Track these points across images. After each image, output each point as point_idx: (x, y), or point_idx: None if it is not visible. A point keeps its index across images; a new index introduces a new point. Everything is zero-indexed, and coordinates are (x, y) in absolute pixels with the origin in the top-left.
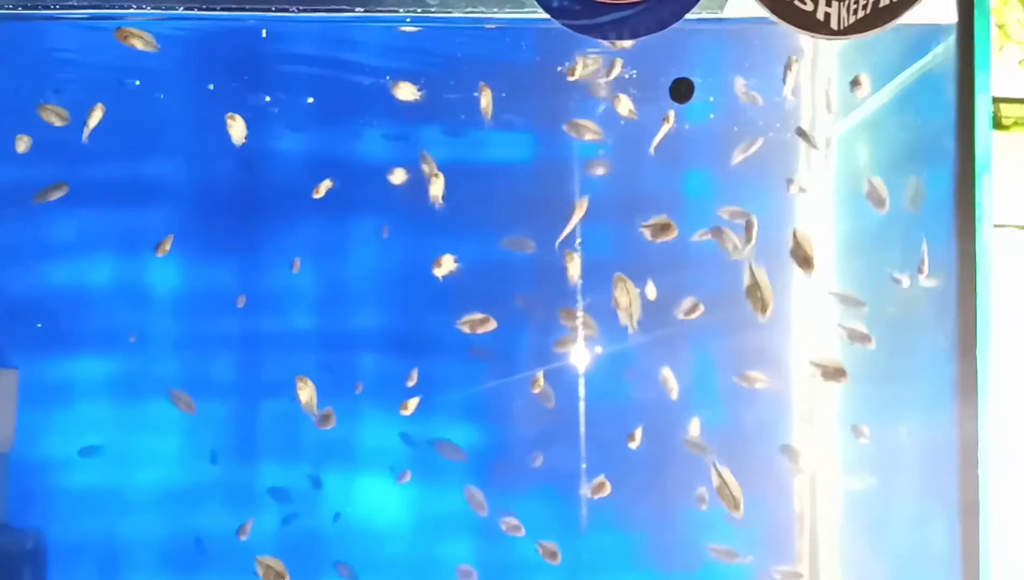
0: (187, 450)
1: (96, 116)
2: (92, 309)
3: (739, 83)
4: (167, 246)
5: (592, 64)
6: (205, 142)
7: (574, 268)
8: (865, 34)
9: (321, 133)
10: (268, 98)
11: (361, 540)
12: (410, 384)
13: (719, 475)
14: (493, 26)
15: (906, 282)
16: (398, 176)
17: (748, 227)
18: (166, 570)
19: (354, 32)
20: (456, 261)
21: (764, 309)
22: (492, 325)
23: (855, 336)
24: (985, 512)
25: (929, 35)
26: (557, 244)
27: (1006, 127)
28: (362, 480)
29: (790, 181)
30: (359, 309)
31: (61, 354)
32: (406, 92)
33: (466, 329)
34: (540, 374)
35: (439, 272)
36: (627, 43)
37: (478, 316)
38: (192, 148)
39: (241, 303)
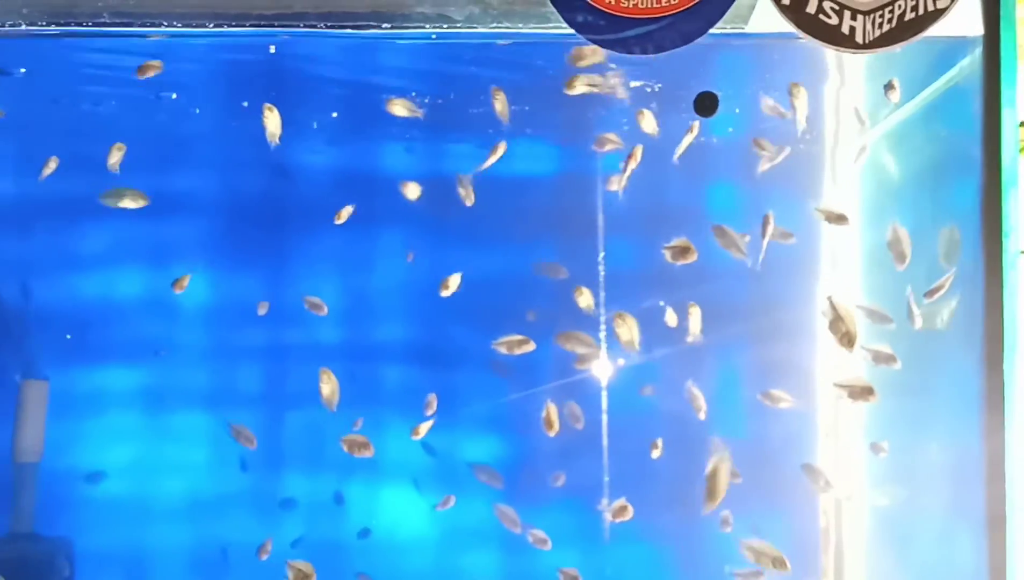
0: (215, 461)
1: (116, 156)
2: (121, 321)
3: (765, 98)
4: (184, 284)
5: (596, 80)
6: (234, 156)
7: (585, 301)
8: (890, 48)
9: (344, 149)
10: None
11: (385, 552)
12: (428, 412)
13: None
14: (507, 41)
15: (918, 316)
16: (413, 191)
17: (764, 223)
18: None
19: (378, 49)
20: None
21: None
22: (530, 346)
23: (880, 358)
24: (1012, 526)
25: (955, 48)
26: None
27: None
28: (385, 493)
29: (818, 210)
30: (383, 322)
31: (90, 365)
32: (401, 108)
33: (503, 350)
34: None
35: (446, 293)
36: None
37: (516, 338)
38: (221, 162)
39: (263, 310)
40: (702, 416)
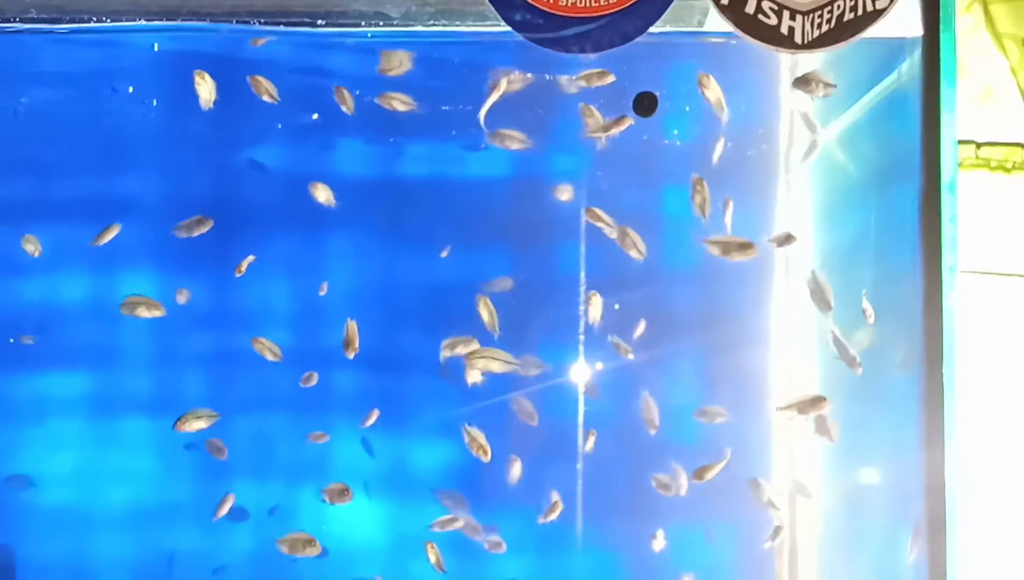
0: (159, 469)
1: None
2: (63, 324)
3: (711, 97)
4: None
5: (517, 80)
6: (181, 156)
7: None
8: (829, 48)
9: (290, 147)
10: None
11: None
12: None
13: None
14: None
15: (870, 313)
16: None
17: (726, 208)
18: None
19: (320, 47)
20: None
21: (828, 308)
22: (475, 345)
23: (846, 357)
24: (952, 532)
25: (897, 50)
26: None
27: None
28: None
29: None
30: (336, 325)
31: (31, 371)
32: (399, 103)
33: (447, 353)
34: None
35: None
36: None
37: (461, 338)
38: (168, 162)
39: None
40: (652, 431)
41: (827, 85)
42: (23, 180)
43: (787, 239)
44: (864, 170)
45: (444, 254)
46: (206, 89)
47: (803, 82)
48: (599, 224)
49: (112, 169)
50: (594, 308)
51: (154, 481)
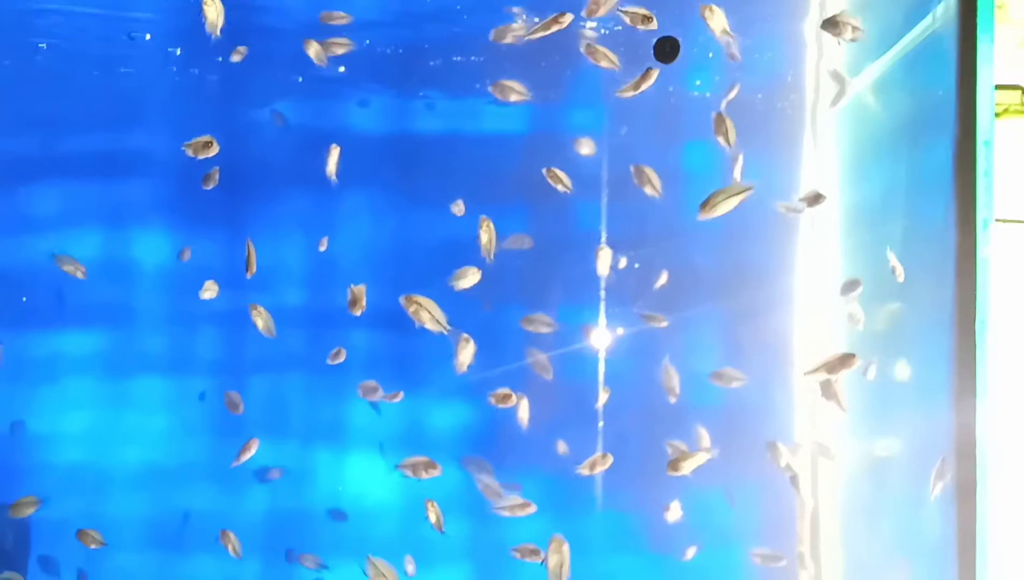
0: (174, 428)
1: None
2: (77, 284)
3: (716, 27)
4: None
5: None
6: (190, 115)
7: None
8: None
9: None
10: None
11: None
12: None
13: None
14: None
15: (900, 272)
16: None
17: (735, 162)
18: (150, 547)
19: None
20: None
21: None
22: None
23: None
24: (984, 496)
25: None
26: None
27: (997, 114)
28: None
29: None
30: (348, 284)
31: (44, 329)
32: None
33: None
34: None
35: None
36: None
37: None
38: (177, 121)
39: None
40: (673, 399)
41: (855, 28)
42: (33, 136)
43: (816, 199)
44: (895, 120)
45: (458, 212)
46: (213, 11)
47: (831, 24)
48: (559, 186)
49: (123, 125)
50: (602, 262)
51: (169, 439)
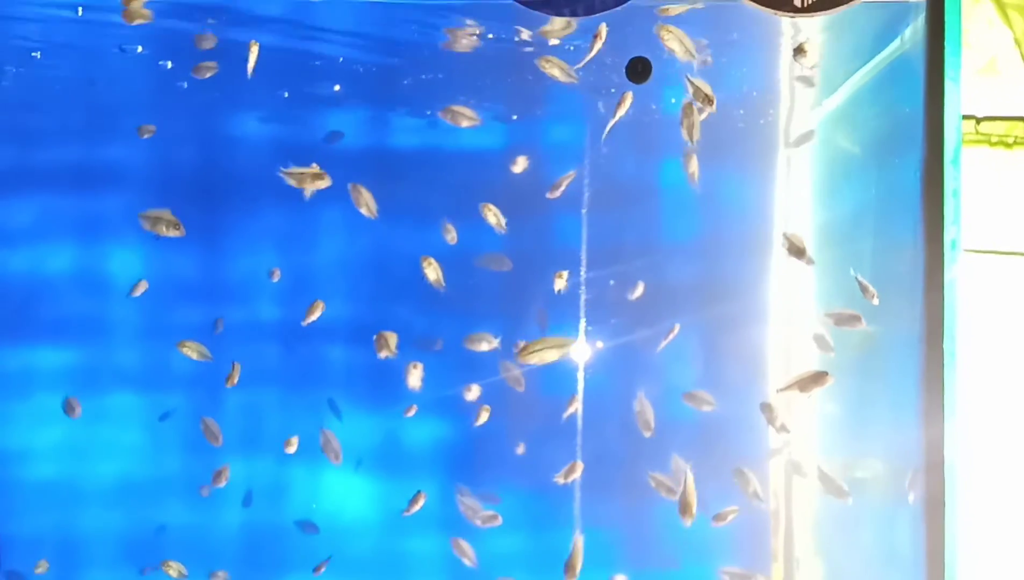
0: (147, 442)
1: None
2: (51, 297)
3: (676, 47)
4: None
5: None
6: (167, 125)
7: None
8: (830, 11)
9: (288, 118)
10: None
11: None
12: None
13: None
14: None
15: (872, 293)
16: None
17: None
18: (125, 562)
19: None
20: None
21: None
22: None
23: (842, 320)
24: (952, 511)
25: (900, 15)
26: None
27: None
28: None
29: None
30: (327, 299)
31: (18, 345)
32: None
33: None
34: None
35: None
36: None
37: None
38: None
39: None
40: (647, 434)
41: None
42: (6, 147)
43: (800, 253)
44: (865, 140)
45: (449, 236)
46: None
47: (800, 52)
48: (492, 221)
49: (98, 136)
50: (560, 282)
51: (142, 454)
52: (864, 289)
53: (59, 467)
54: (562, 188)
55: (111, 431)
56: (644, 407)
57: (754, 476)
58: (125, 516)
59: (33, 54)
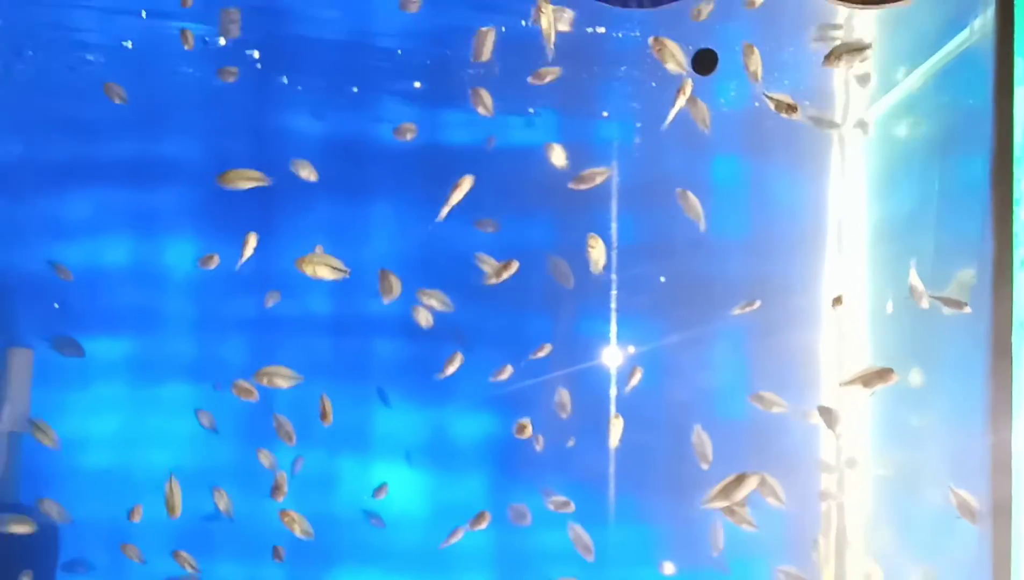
0: (200, 432)
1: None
2: (108, 289)
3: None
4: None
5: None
6: (221, 122)
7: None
8: (896, 4)
9: (337, 115)
10: (285, 79)
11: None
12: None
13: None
14: None
15: (921, 295)
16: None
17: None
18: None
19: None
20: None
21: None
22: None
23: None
24: (1019, 516)
25: (967, 7)
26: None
27: None
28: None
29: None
30: (375, 293)
31: (77, 334)
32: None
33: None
34: None
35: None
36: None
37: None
38: (209, 128)
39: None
40: (705, 466)
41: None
42: (67, 141)
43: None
44: (926, 135)
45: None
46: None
47: (834, 57)
48: (483, 266)
49: (155, 131)
50: (596, 252)
51: (196, 443)
52: (914, 291)
53: (116, 455)
54: (596, 181)
55: (165, 420)
56: (702, 439)
57: (777, 484)
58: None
59: (88, 56)
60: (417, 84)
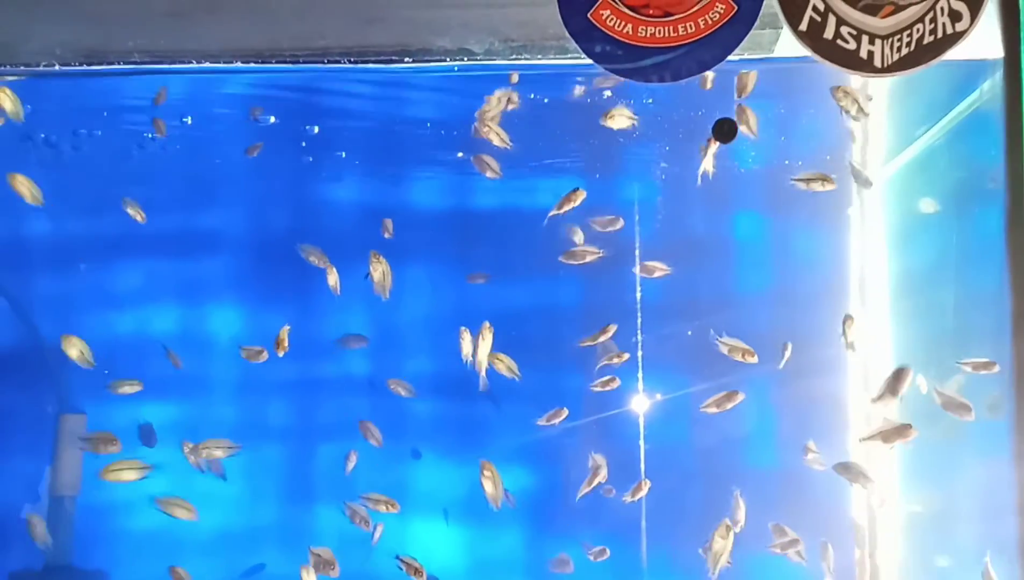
0: (247, 494)
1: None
2: (155, 355)
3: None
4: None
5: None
6: (260, 193)
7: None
8: (909, 72)
9: (371, 182)
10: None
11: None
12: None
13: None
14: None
15: (924, 386)
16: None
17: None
18: None
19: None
20: None
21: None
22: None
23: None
24: None
25: (976, 71)
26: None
27: None
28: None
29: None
30: (412, 354)
31: (126, 399)
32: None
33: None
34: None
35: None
36: None
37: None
38: (248, 199)
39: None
40: (738, 529)
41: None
42: (116, 216)
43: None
44: (941, 191)
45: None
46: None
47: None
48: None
49: (198, 205)
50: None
51: (241, 505)
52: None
53: (166, 518)
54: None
55: (210, 482)
56: (739, 504)
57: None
58: (224, 565)
59: (145, 134)
60: (460, 154)
